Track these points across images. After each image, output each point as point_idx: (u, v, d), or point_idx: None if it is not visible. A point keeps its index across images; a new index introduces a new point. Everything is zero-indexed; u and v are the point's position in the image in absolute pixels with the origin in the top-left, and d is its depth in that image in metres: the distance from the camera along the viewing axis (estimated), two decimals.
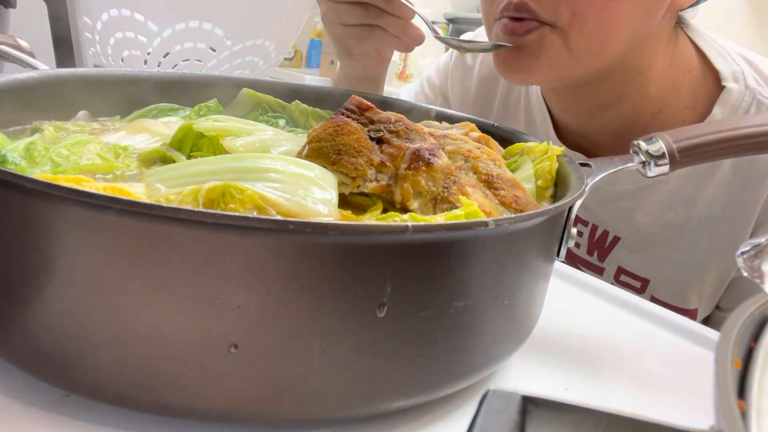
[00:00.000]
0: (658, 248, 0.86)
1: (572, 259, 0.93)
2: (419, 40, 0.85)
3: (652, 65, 0.80)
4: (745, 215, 0.81)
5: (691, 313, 0.86)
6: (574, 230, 0.49)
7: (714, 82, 0.82)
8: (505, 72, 0.78)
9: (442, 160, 0.47)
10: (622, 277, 0.89)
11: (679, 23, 0.83)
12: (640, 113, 0.83)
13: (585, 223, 0.90)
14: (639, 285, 0.88)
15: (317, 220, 0.40)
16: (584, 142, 0.89)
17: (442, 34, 0.85)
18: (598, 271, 0.91)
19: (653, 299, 0.87)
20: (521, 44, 0.74)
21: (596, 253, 0.90)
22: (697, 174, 0.82)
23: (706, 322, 0.89)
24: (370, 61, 0.91)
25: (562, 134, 0.92)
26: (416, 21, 0.85)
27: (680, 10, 0.79)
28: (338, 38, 0.88)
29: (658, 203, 0.84)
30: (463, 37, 1.09)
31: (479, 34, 1.06)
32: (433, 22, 3.34)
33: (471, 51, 0.82)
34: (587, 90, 0.81)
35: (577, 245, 0.92)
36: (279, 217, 0.37)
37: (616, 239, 0.88)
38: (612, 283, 0.89)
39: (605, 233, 0.89)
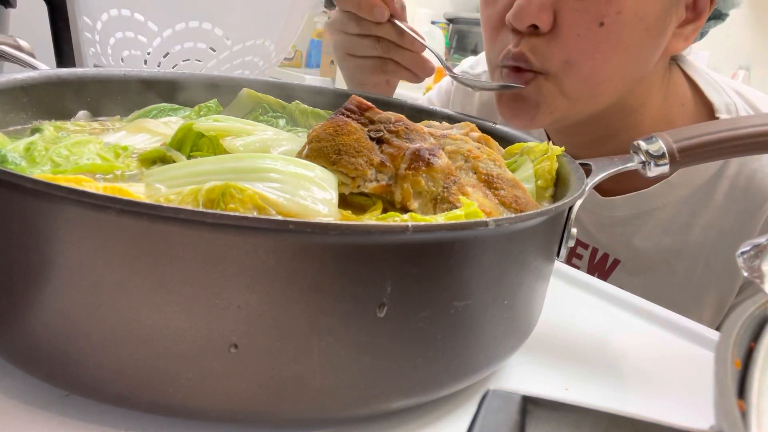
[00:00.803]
0: (657, 272, 0.87)
1: None
2: (430, 72, 0.87)
3: (647, 102, 0.82)
4: (742, 242, 0.81)
5: None
6: (574, 230, 0.49)
7: (707, 115, 0.84)
8: (510, 119, 0.80)
9: (442, 160, 0.47)
10: None
11: (674, 59, 0.85)
12: None
13: (585, 246, 0.91)
14: None
15: (317, 220, 0.40)
16: None
17: (454, 71, 0.87)
18: None
19: None
20: (522, 94, 0.77)
21: (596, 275, 0.91)
22: (693, 201, 0.83)
23: None
24: (380, 90, 0.92)
25: None
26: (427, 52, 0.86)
27: (674, 54, 0.80)
28: (349, 69, 0.89)
29: (655, 228, 0.86)
30: (465, 62, 1.12)
31: (481, 60, 1.08)
32: (433, 22, 3.35)
33: (482, 89, 0.84)
34: (584, 126, 0.83)
35: (577, 267, 0.93)
36: (279, 217, 0.37)
37: (616, 262, 0.89)
38: None
39: (605, 256, 0.90)
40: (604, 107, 0.78)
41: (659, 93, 0.83)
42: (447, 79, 1.12)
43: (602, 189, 0.87)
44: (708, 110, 0.83)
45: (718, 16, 0.83)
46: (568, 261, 0.93)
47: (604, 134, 0.84)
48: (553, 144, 0.90)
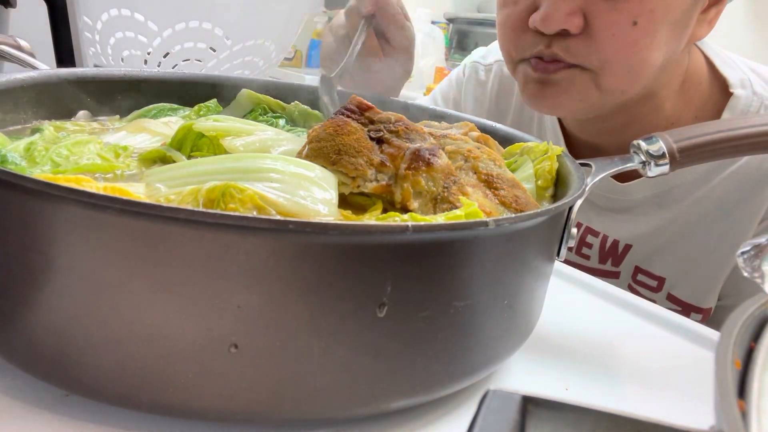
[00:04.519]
0: (672, 250, 0.87)
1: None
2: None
3: (668, 86, 0.82)
4: (755, 210, 0.82)
5: (704, 313, 0.87)
6: (574, 230, 0.48)
7: (722, 90, 0.84)
8: (534, 104, 0.80)
9: (442, 160, 0.47)
10: (639, 276, 0.91)
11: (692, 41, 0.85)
12: (654, 128, 0.84)
13: (596, 234, 0.92)
14: (655, 284, 0.90)
15: (317, 220, 0.40)
16: (596, 156, 0.91)
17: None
18: (613, 276, 0.92)
19: (669, 297, 0.89)
20: (551, 80, 0.76)
21: (610, 261, 0.92)
22: (709, 175, 0.83)
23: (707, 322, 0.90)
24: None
25: (574, 149, 0.94)
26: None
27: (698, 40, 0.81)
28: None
29: (672, 205, 0.86)
30: (476, 53, 1.11)
31: (491, 50, 1.07)
32: (433, 22, 3.35)
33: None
34: (606, 115, 0.83)
35: (587, 257, 0.93)
36: (279, 217, 0.37)
37: (628, 247, 0.90)
38: (629, 284, 0.90)
39: (616, 242, 0.90)
40: (629, 99, 0.78)
41: (679, 76, 0.83)
42: (458, 70, 1.11)
43: (619, 175, 0.87)
44: (722, 86, 0.84)
45: None
46: (578, 251, 0.93)
47: (625, 121, 0.84)
48: (573, 131, 0.92)
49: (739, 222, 0.83)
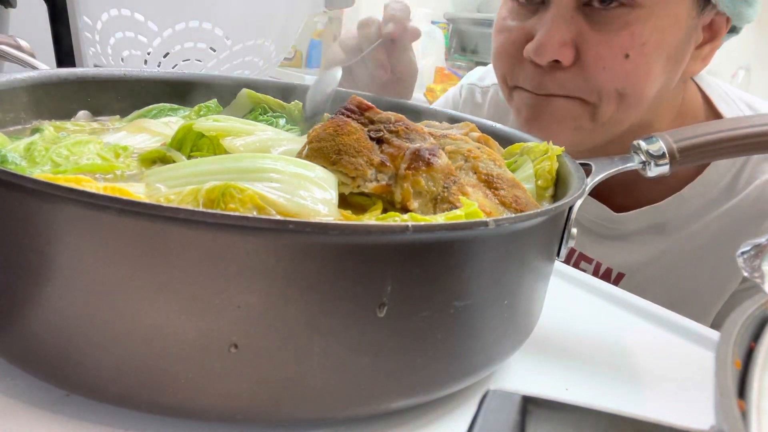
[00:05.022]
0: (663, 282, 0.87)
1: None
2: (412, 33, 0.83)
3: (662, 118, 0.83)
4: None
5: None
6: (574, 230, 0.48)
7: None
8: (529, 130, 0.80)
9: (442, 160, 0.47)
10: None
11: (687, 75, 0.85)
12: None
13: (589, 261, 0.92)
14: None
15: (317, 220, 0.40)
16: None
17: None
18: None
19: None
20: (548, 107, 0.77)
21: None
22: (704, 213, 0.84)
23: None
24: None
25: None
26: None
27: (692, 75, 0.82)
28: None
29: (665, 239, 0.86)
30: (473, 74, 1.11)
31: (489, 72, 1.07)
32: (433, 22, 3.35)
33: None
34: (599, 147, 0.83)
35: None
36: (279, 217, 0.37)
37: (621, 275, 0.90)
38: None
39: (609, 270, 0.91)
40: (623, 131, 0.79)
41: (674, 109, 0.84)
42: (455, 89, 1.12)
43: (615, 204, 0.88)
44: None
45: (732, 30, 0.83)
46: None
47: (617, 152, 0.84)
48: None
49: (731, 259, 0.83)
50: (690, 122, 0.85)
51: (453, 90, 1.13)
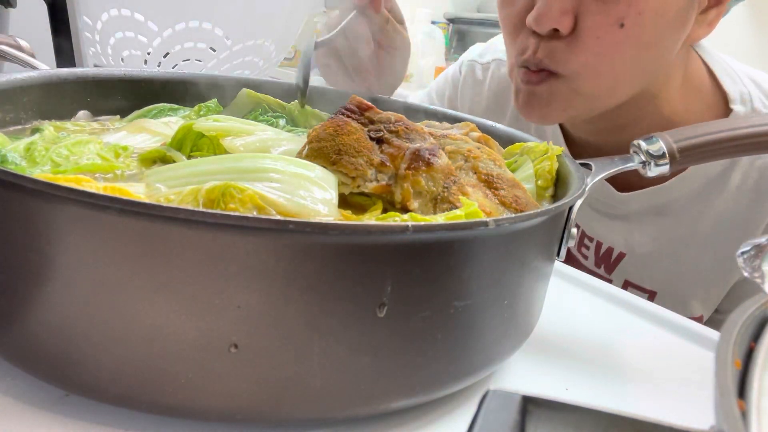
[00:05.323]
0: (664, 263, 0.87)
1: (581, 269, 0.94)
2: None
3: (666, 89, 0.82)
4: (752, 228, 0.82)
5: (698, 320, 0.87)
6: (574, 230, 0.49)
7: (722, 104, 0.84)
8: (524, 114, 0.81)
9: (442, 160, 0.47)
10: (630, 290, 0.91)
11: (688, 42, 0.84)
12: (653, 129, 0.84)
13: (590, 239, 0.92)
14: (646, 297, 0.89)
15: (317, 220, 0.40)
16: (597, 156, 0.90)
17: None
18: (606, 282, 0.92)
19: None
20: (536, 92, 0.77)
21: (603, 267, 0.92)
22: (706, 192, 0.83)
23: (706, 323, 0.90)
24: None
25: (574, 148, 0.94)
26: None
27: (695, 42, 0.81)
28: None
29: (667, 220, 0.86)
30: (473, 50, 1.10)
31: (489, 48, 1.07)
32: (433, 22, 3.35)
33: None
34: (602, 116, 0.83)
35: (585, 257, 0.93)
36: (279, 217, 0.37)
37: (621, 255, 0.89)
38: None
39: (610, 249, 0.90)
40: (623, 100, 0.78)
41: (677, 79, 0.83)
42: (454, 67, 1.10)
43: (619, 184, 0.87)
44: (723, 98, 0.84)
45: None
46: (578, 249, 0.93)
47: (623, 123, 0.84)
48: (571, 131, 0.91)
49: (735, 240, 0.83)
50: (694, 95, 0.84)
51: (452, 68, 1.11)
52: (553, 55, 0.74)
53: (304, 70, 0.70)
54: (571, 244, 0.49)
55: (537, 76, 0.76)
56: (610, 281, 0.92)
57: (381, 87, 0.85)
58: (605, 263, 0.91)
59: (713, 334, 0.61)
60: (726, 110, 0.83)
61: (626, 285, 0.91)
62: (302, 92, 0.70)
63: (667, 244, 0.86)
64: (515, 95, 0.81)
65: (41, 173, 0.45)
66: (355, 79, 0.82)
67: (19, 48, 0.66)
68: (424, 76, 3.14)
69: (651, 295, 0.89)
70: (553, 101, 0.76)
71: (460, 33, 3.42)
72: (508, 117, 1.02)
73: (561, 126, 0.94)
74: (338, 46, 0.79)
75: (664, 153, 0.53)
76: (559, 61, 0.74)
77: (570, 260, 0.93)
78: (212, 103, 0.67)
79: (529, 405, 0.23)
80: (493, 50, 1.05)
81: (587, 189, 0.49)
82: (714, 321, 0.89)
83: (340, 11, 0.79)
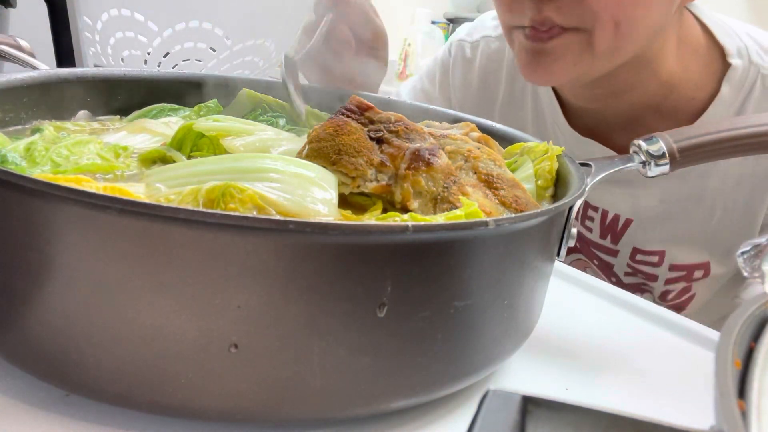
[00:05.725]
0: (673, 222, 0.87)
1: (585, 243, 0.94)
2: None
3: (663, 51, 0.81)
4: (761, 184, 0.83)
5: (705, 267, 0.88)
6: (574, 230, 0.49)
7: (720, 59, 0.83)
8: (528, 74, 0.79)
9: (442, 160, 0.47)
10: (638, 256, 0.90)
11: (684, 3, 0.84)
12: (652, 96, 0.84)
13: (595, 209, 0.91)
14: (656, 259, 0.89)
15: (317, 220, 0.40)
16: (595, 124, 0.90)
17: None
18: (612, 254, 0.92)
19: (672, 267, 0.89)
20: (545, 49, 0.75)
21: (609, 237, 0.91)
22: None
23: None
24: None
25: (571, 118, 0.92)
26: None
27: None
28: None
29: (674, 178, 0.85)
30: (461, 30, 1.08)
31: (477, 26, 1.05)
32: (433, 22, 3.35)
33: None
34: (600, 81, 0.82)
35: (589, 230, 0.92)
36: (279, 217, 0.37)
37: (628, 221, 0.89)
38: (628, 263, 0.89)
39: (616, 217, 0.90)
40: (623, 62, 0.77)
41: (672, 41, 0.82)
42: (443, 50, 1.09)
43: (617, 145, 0.87)
44: (720, 54, 0.83)
45: None
46: (582, 222, 0.92)
47: (621, 88, 0.83)
48: (570, 99, 0.91)
49: (744, 193, 0.83)
50: (691, 55, 0.84)
51: (441, 51, 1.09)
52: (562, 11, 0.72)
53: (294, 97, 0.70)
54: (571, 243, 0.49)
55: (548, 32, 0.74)
56: (616, 252, 0.91)
57: (368, 84, 0.85)
58: (611, 232, 0.90)
59: (713, 334, 0.61)
60: (724, 65, 0.82)
61: (634, 252, 0.90)
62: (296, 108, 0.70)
63: (675, 204, 0.86)
64: (517, 56, 0.79)
65: (41, 173, 0.45)
66: (342, 82, 0.82)
67: (19, 48, 0.66)
68: None
69: (660, 256, 0.89)
70: (566, 56, 0.75)
71: None
72: (502, 92, 1.00)
73: (558, 97, 0.93)
74: (319, 55, 0.78)
75: (664, 153, 0.53)
76: (570, 16, 0.72)
77: None
78: (212, 103, 0.67)
79: (529, 405, 0.23)
80: (481, 28, 1.03)
81: (587, 189, 0.49)
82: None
83: (316, 15, 0.78)
